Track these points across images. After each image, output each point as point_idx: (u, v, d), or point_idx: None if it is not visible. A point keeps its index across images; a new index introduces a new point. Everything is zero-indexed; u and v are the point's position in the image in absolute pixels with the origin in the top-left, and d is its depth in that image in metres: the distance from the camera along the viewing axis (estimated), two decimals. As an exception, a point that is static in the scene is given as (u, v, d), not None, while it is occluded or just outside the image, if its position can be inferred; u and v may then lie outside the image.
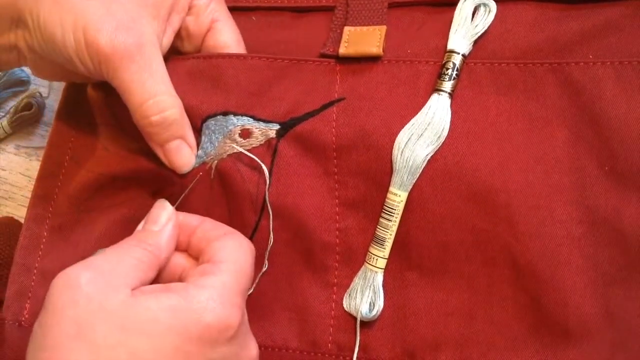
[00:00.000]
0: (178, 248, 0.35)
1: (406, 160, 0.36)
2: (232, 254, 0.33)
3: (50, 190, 0.42)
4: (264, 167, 0.38)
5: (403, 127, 0.37)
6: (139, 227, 0.35)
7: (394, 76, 0.38)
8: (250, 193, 0.39)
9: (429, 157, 0.37)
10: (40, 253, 0.41)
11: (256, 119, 0.39)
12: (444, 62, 0.37)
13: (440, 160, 0.37)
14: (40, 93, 0.51)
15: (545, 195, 0.35)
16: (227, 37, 0.40)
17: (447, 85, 0.37)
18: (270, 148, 0.39)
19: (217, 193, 0.39)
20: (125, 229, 0.38)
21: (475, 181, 0.36)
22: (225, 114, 0.39)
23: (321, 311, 0.38)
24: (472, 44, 0.38)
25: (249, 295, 0.37)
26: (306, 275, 0.39)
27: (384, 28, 0.39)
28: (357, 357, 0.37)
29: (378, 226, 0.38)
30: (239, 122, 0.39)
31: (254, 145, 0.39)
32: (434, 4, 0.40)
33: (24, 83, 0.52)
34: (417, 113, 0.37)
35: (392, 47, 0.39)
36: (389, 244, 0.37)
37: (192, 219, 0.36)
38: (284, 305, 0.39)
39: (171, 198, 0.37)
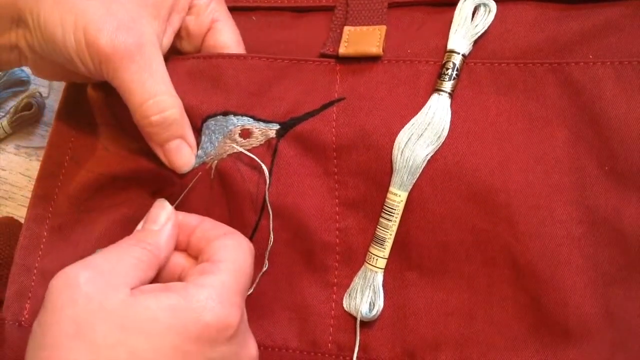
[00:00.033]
0: (177, 248, 0.35)
1: (406, 160, 0.36)
2: (231, 254, 0.33)
3: (50, 190, 0.42)
4: (264, 167, 0.38)
5: (403, 127, 0.37)
6: (139, 226, 0.35)
7: (394, 76, 0.38)
8: (250, 193, 0.39)
9: (429, 157, 0.37)
10: (40, 253, 0.41)
11: (256, 119, 0.39)
12: (444, 62, 0.37)
13: (440, 160, 0.37)
14: (40, 93, 0.51)
15: (545, 195, 0.35)
16: (227, 37, 0.40)
17: (447, 85, 0.37)
18: (270, 148, 0.39)
19: (217, 193, 0.40)
20: (125, 229, 0.38)
21: (475, 181, 0.36)
22: (225, 114, 0.39)
23: (321, 311, 0.38)
24: (472, 44, 0.38)
25: (249, 295, 0.37)
26: (306, 275, 0.39)
27: (383, 28, 0.39)
28: (357, 357, 0.37)
29: (378, 226, 0.38)
30: (239, 122, 0.39)
31: (254, 145, 0.39)
32: (434, 4, 0.40)
33: (24, 83, 0.52)
34: (417, 113, 0.37)
35: (392, 47, 0.39)
36: (389, 244, 0.37)
37: (191, 219, 0.36)
38: (284, 305, 0.39)
39: (171, 198, 0.37)
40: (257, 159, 0.38)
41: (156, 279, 0.33)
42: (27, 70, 0.52)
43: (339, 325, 0.38)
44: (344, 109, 0.38)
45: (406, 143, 0.37)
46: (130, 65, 0.35)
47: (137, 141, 0.39)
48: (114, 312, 0.28)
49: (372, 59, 0.39)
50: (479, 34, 0.38)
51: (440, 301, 0.37)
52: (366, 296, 0.37)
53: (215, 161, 0.39)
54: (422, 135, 0.37)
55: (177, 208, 0.36)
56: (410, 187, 0.37)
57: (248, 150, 0.39)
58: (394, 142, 0.37)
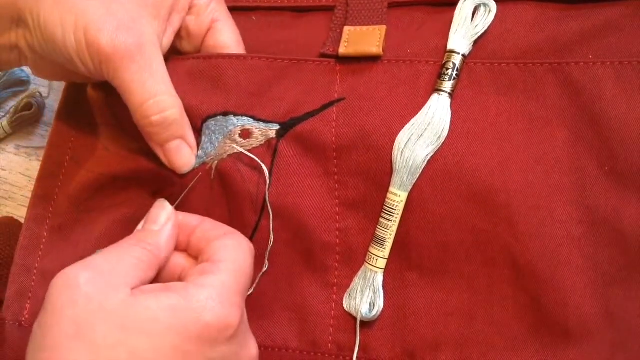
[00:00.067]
0: (178, 248, 0.35)
1: (406, 160, 0.36)
2: (231, 254, 0.33)
3: (50, 190, 0.42)
4: (264, 167, 0.38)
5: (403, 127, 0.37)
6: (139, 226, 0.35)
7: (394, 76, 0.38)
8: (251, 193, 0.39)
9: (429, 157, 0.37)
10: (40, 253, 0.41)
11: (256, 119, 0.39)
12: (444, 62, 0.37)
13: (440, 160, 0.37)
14: (40, 93, 0.51)
15: (545, 196, 0.35)
16: (227, 37, 0.40)
17: (447, 85, 0.37)
18: (270, 148, 0.39)
19: (218, 193, 0.39)
20: (125, 229, 0.38)
21: (475, 181, 0.36)
22: (225, 114, 0.39)
23: (321, 311, 0.38)
24: (472, 44, 0.38)
25: (249, 295, 0.37)
26: (306, 275, 0.39)
27: (383, 28, 0.39)
28: (357, 357, 0.37)
29: (378, 226, 0.38)
30: (239, 123, 0.39)
31: (254, 146, 0.39)
32: (434, 4, 0.40)
33: (24, 83, 0.52)
34: (417, 113, 0.37)
35: (392, 47, 0.39)
36: (389, 244, 0.37)
37: (191, 219, 0.36)
38: (284, 305, 0.39)
39: (171, 198, 0.37)
40: (257, 159, 0.38)
41: (156, 279, 0.33)
42: (27, 70, 0.52)
43: (339, 325, 0.38)
44: (344, 109, 0.38)
45: (406, 143, 0.37)
46: (130, 65, 0.35)
47: (137, 141, 0.39)
48: (114, 313, 0.28)
49: (372, 59, 0.39)
50: (479, 34, 0.38)
51: (440, 301, 0.37)
52: (366, 296, 0.37)
53: (216, 161, 0.39)
54: (422, 135, 0.37)
55: (177, 208, 0.36)
56: (410, 187, 0.37)
57: (248, 150, 0.39)
58: (394, 142, 0.37)
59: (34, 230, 0.41)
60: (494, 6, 0.38)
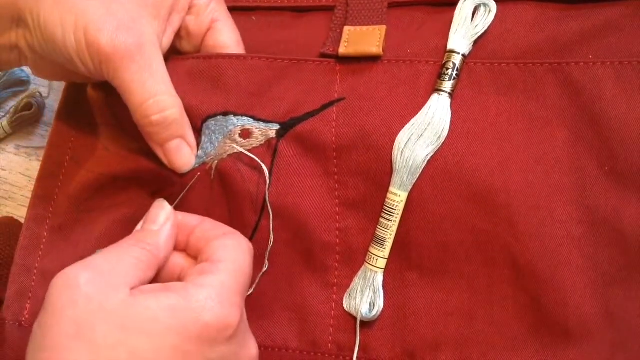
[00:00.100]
0: (177, 248, 0.35)
1: (406, 160, 0.36)
2: (230, 254, 0.33)
3: (50, 190, 0.42)
4: (264, 167, 0.38)
5: (403, 127, 0.37)
6: (138, 226, 0.35)
7: (394, 76, 0.38)
8: (251, 193, 0.39)
9: (429, 157, 0.37)
10: (40, 253, 0.41)
11: (256, 119, 0.39)
12: (444, 62, 0.37)
13: (440, 160, 0.37)
14: (40, 93, 0.51)
15: (545, 196, 0.35)
16: (227, 37, 0.40)
17: (447, 85, 0.37)
18: (270, 148, 0.39)
19: (218, 193, 0.39)
20: (125, 229, 0.38)
21: (475, 181, 0.36)
22: (225, 114, 0.39)
23: (321, 311, 0.38)
24: (472, 44, 0.38)
25: (249, 295, 0.37)
26: (306, 275, 0.39)
27: (383, 28, 0.39)
28: (357, 357, 0.37)
29: (378, 226, 0.38)
30: (239, 122, 0.39)
31: (254, 146, 0.39)
32: (434, 4, 0.40)
33: (24, 83, 0.52)
34: (417, 113, 0.37)
35: (392, 47, 0.39)
36: (389, 244, 0.37)
37: (191, 219, 0.36)
38: (284, 305, 0.39)
39: (171, 198, 0.37)
40: (257, 159, 0.38)
41: (156, 279, 0.33)
42: (27, 70, 0.52)
43: (339, 325, 0.38)
44: (344, 109, 0.38)
45: (406, 143, 0.37)
46: (130, 65, 0.35)
47: (137, 141, 0.39)
48: (114, 313, 0.28)
49: (372, 59, 0.39)
50: (479, 34, 0.38)
51: (440, 301, 0.37)
52: (366, 296, 0.37)
53: (216, 161, 0.39)
54: (422, 135, 0.37)
55: (177, 208, 0.36)
56: (410, 187, 0.37)
57: (248, 150, 0.39)
58: (394, 142, 0.37)
59: (34, 230, 0.41)
60: (494, 6, 0.38)
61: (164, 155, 0.38)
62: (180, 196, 0.38)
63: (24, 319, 0.40)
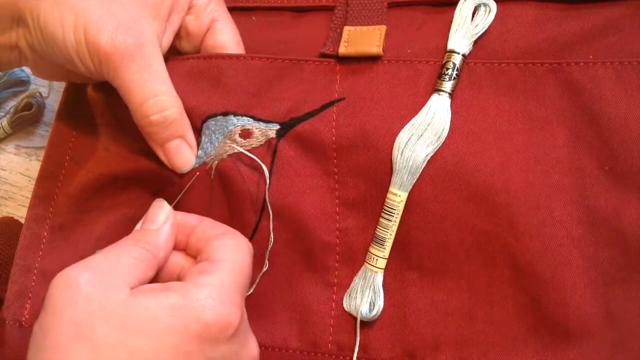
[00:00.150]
0: (176, 247, 0.35)
1: (406, 160, 0.36)
2: (230, 253, 0.33)
3: (50, 190, 0.42)
4: (264, 167, 0.38)
5: (403, 127, 0.37)
6: (137, 226, 0.35)
7: (394, 76, 0.38)
8: (251, 193, 0.39)
9: (429, 157, 0.37)
10: (40, 253, 0.41)
11: (256, 119, 0.39)
12: (444, 62, 0.37)
13: (440, 160, 0.37)
14: (40, 93, 0.51)
15: (545, 196, 0.35)
16: (227, 37, 0.40)
17: (447, 85, 0.37)
18: (270, 148, 0.39)
19: (218, 193, 0.40)
20: (125, 229, 0.38)
21: (475, 181, 0.36)
22: (225, 114, 0.39)
23: (321, 311, 0.38)
24: (472, 44, 0.38)
25: (249, 295, 0.37)
26: (306, 275, 0.39)
27: (383, 28, 0.39)
28: (357, 357, 0.37)
29: (378, 226, 0.38)
30: (239, 122, 0.39)
31: (254, 146, 0.39)
32: (434, 4, 0.40)
33: (24, 83, 0.52)
34: (417, 113, 0.37)
35: (392, 47, 0.39)
36: (389, 244, 0.37)
37: (190, 219, 0.36)
38: (284, 305, 0.39)
39: (171, 198, 0.37)
40: (257, 159, 0.38)
41: (155, 278, 0.33)
42: (27, 70, 0.52)
43: (339, 325, 0.38)
44: (344, 109, 0.38)
45: (406, 143, 0.37)
46: (130, 65, 0.35)
47: (138, 141, 0.39)
48: (114, 313, 0.28)
49: (372, 59, 0.39)
50: (479, 34, 0.38)
51: (440, 301, 0.37)
52: (366, 296, 0.37)
53: (216, 161, 0.39)
54: (422, 135, 0.37)
55: (176, 208, 0.36)
56: (410, 187, 0.37)
57: (248, 150, 0.39)
58: (394, 142, 0.37)
59: (34, 230, 0.41)
60: (494, 6, 0.38)
61: (164, 155, 0.38)
62: (180, 196, 0.38)
63: (24, 319, 0.40)
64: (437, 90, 0.37)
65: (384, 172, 0.37)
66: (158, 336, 0.29)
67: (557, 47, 0.37)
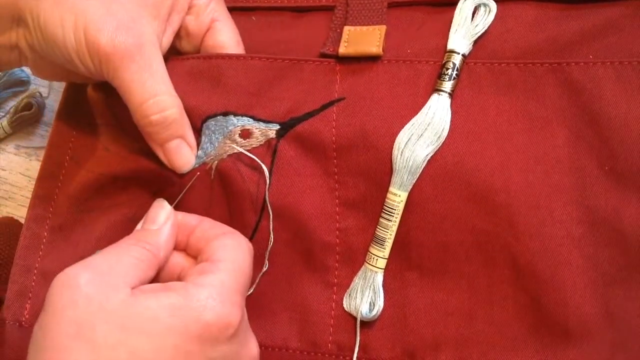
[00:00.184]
0: (177, 247, 0.35)
1: (406, 160, 0.36)
2: (230, 253, 0.33)
3: (50, 190, 0.42)
4: (264, 167, 0.38)
5: (403, 127, 0.37)
6: (138, 226, 0.35)
7: (394, 76, 0.38)
8: (251, 193, 0.39)
9: (429, 157, 0.37)
10: (40, 253, 0.41)
11: (256, 119, 0.39)
12: (444, 62, 0.37)
13: (440, 160, 0.37)
14: (40, 93, 0.51)
15: (545, 195, 0.35)
16: (226, 37, 0.40)
17: (447, 85, 0.37)
18: (270, 148, 0.39)
19: (218, 193, 0.40)
20: (125, 229, 0.38)
21: (475, 181, 0.36)
22: (225, 114, 0.39)
23: (321, 311, 0.38)
24: (472, 44, 0.38)
25: (249, 295, 0.37)
26: (306, 275, 0.39)
27: (383, 28, 0.39)
28: (357, 357, 0.37)
29: (378, 226, 0.38)
30: (239, 123, 0.39)
31: (254, 146, 0.39)
32: (434, 4, 0.40)
33: (24, 83, 0.52)
34: (417, 113, 0.37)
35: (392, 47, 0.39)
36: (389, 244, 0.37)
37: (191, 219, 0.36)
38: (284, 305, 0.39)
39: (171, 198, 0.37)
40: (257, 159, 0.38)
41: (156, 278, 0.33)
42: (27, 70, 0.52)
43: (339, 325, 0.38)
44: (344, 109, 0.38)
45: (406, 143, 0.37)
46: (130, 65, 0.35)
47: (138, 141, 0.39)
48: (114, 313, 0.28)
49: (372, 59, 0.39)
50: (479, 34, 0.38)
51: (440, 301, 0.37)
52: (366, 296, 0.37)
53: (215, 161, 0.39)
54: (422, 135, 0.37)
55: (177, 208, 0.36)
56: (410, 187, 0.37)
57: (248, 150, 0.39)
58: (394, 142, 0.37)
59: (34, 230, 0.41)
60: (494, 6, 0.38)
61: (164, 155, 0.38)
62: (180, 196, 0.38)
63: (24, 319, 0.40)
64: (437, 90, 0.37)
65: (384, 172, 0.37)
66: (158, 336, 0.29)
67: (557, 47, 0.37)
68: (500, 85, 0.37)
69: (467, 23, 0.38)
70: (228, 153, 0.39)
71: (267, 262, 0.39)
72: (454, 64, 0.37)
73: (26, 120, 0.50)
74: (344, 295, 0.38)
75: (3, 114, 0.52)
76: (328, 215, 0.38)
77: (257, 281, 0.39)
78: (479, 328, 0.36)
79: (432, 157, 0.37)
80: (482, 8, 0.38)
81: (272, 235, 0.38)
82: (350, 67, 0.39)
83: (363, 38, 0.39)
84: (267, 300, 0.39)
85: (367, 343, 0.38)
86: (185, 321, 0.29)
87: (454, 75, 0.37)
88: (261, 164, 0.38)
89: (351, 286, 0.38)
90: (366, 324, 0.38)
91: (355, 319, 0.38)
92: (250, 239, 0.38)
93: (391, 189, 0.37)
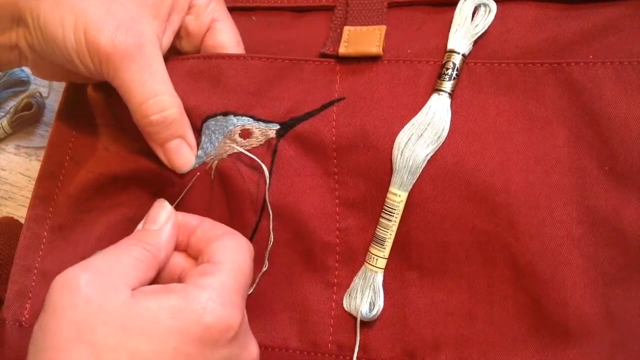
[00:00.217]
0: (177, 248, 0.35)
1: (406, 160, 0.36)
2: (230, 254, 0.33)
3: (50, 190, 0.42)
4: (264, 167, 0.38)
5: (403, 127, 0.37)
6: (139, 226, 0.35)
7: (394, 76, 0.38)
8: (251, 193, 0.39)
9: (429, 157, 0.37)
10: (40, 253, 0.41)
11: (256, 119, 0.39)
12: (444, 62, 0.37)
13: (440, 160, 0.37)
14: (40, 93, 0.51)
15: (545, 195, 0.35)
16: (226, 37, 0.40)
17: (447, 85, 0.37)
18: (270, 148, 0.39)
19: (218, 193, 0.39)
20: (125, 229, 0.38)
21: (475, 181, 0.36)
22: (225, 114, 0.39)
23: (321, 311, 0.38)
24: (472, 44, 0.38)
25: (249, 295, 0.37)
26: (306, 275, 0.39)
27: (383, 28, 0.39)
28: (357, 357, 0.37)
29: (378, 226, 0.38)
30: (239, 122, 0.39)
31: (254, 145, 0.39)
32: (434, 4, 0.40)
33: (24, 83, 0.52)
34: (417, 113, 0.37)
35: (392, 47, 0.39)
36: (389, 244, 0.37)
37: (191, 219, 0.36)
38: (284, 305, 0.39)
39: (171, 198, 0.37)
40: (257, 159, 0.38)
41: (156, 279, 0.33)
42: (27, 70, 0.52)
43: (339, 325, 0.38)
44: (344, 109, 0.38)
45: (406, 143, 0.37)
46: (130, 65, 0.35)
47: (138, 141, 0.39)
48: (114, 314, 0.28)
49: (372, 59, 0.39)
50: (479, 34, 0.38)
51: (440, 301, 0.37)
52: (366, 296, 0.37)
53: (215, 161, 0.39)
54: (422, 135, 0.37)
55: (177, 208, 0.36)
56: (410, 187, 0.37)
57: (248, 150, 0.39)
58: (394, 142, 0.37)
59: (34, 230, 0.41)
60: (494, 6, 0.38)
61: (164, 155, 0.38)
62: (181, 196, 0.38)
63: (24, 319, 0.40)
64: (437, 90, 0.37)
65: (384, 172, 0.37)
66: (158, 338, 0.28)
67: (557, 47, 0.37)
68: (500, 85, 0.37)
69: (467, 23, 0.38)
70: (228, 153, 0.39)
71: (267, 262, 0.39)
72: (454, 64, 0.37)
73: (26, 120, 0.50)
74: (344, 295, 0.38)
75: (3, 114, 0.52)
76: (328, 215, 0.38)
77: (257, 281, 0.39)
78: (479, 328, 0.36)
79: (432, 157, 0.37)
80: (482, 8, 0.38)
81: (272, 235, 0.38)
82: (350, 67, 0.39)
83: (363, 38, 0.39)
84: (267, 300, 0.39)
85: (367, 343, 0.38)
86: (185, 323, 0.29)
87: (454, 75, 0.37)
88: (261, 163, 0.38)
89: (351, 286, 0.38)
90: (366, 323, 0.38)
91: (355, 319, 0.38)
92: (250, 239, 0.38)
93: (391, 188, 0.37)
